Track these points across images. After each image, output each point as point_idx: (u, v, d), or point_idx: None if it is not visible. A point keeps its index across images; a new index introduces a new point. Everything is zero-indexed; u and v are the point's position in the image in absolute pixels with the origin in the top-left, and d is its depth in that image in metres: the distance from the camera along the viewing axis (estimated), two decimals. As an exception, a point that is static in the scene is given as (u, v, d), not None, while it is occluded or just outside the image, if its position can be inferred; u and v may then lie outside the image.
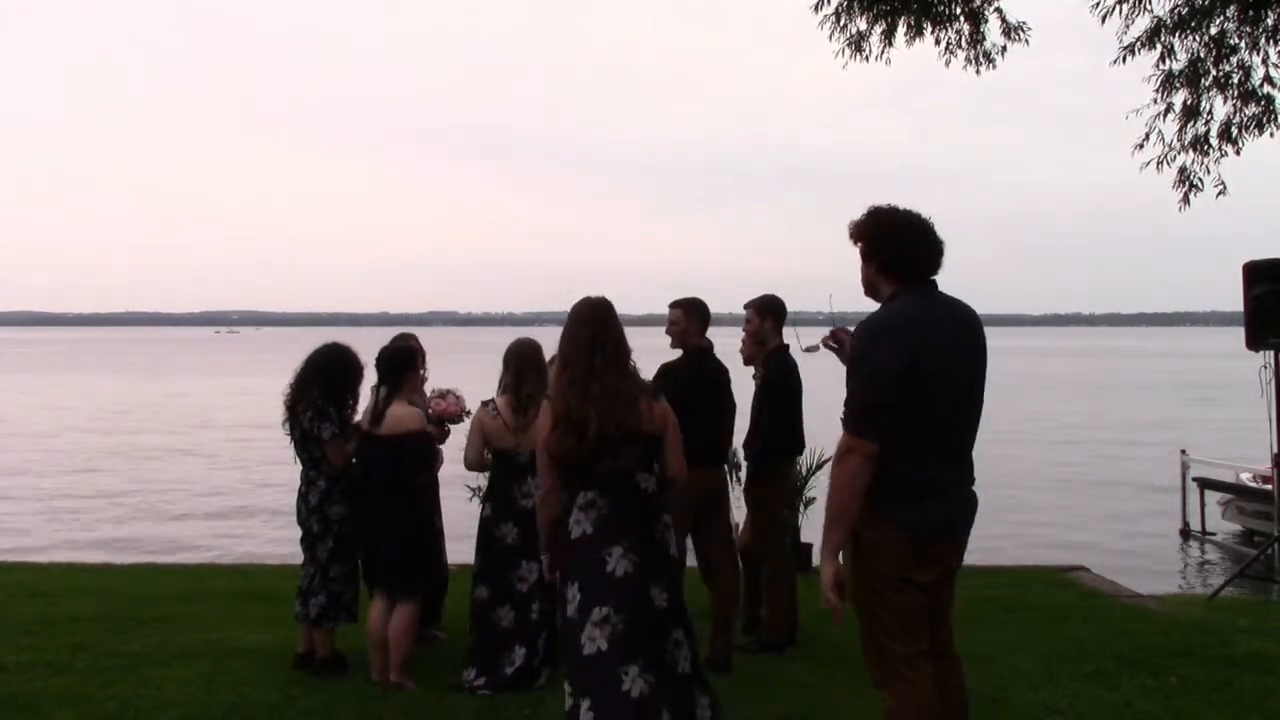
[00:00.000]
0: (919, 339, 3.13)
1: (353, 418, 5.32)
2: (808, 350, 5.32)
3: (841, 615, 3.11)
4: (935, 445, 3.18)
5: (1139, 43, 7.28)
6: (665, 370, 5.29)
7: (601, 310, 3.83)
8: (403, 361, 5.19)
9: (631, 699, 3.49)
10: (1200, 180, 7.45)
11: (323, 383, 5.23)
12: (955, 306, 3.31)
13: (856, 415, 3.12)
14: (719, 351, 5.54)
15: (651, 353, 4.59)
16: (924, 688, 3.19)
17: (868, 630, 3.26)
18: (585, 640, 3.57)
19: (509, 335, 5.58)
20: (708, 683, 3.80)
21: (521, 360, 5.13)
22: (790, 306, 5.95)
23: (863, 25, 7.52)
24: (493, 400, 5.14)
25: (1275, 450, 7.56)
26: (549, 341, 4.84)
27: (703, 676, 3.78)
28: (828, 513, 3.15)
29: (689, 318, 5.48)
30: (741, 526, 6.00)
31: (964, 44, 7.59)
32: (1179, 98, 7.39)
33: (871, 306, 3.32)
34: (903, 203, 3.35)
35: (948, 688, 3.32)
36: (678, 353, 5.47)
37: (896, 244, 3.27)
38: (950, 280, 3.31)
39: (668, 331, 5.51)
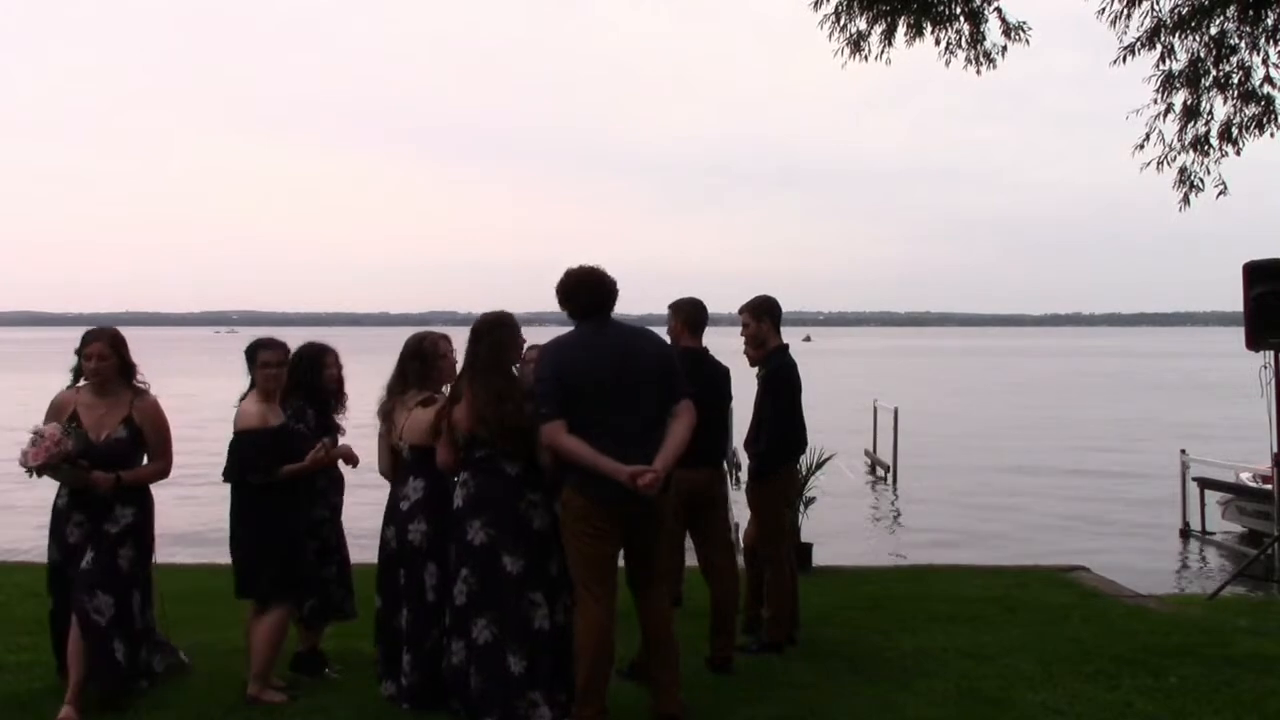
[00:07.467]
0: (563, 358, 4.34)
1: (336, 418, 5.30)
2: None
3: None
4: (602, 434, 4.18)
5: (1139, 43, 7.28)
6: None
7: (482, 325, 4.55)
8: (257, 361, 4.98)
9: (478, 645, 4.37)
10: (1200, 180, 7.46)
11: (297, 384, 5.17)
12: (616, 334, 4.41)
13: (540, 408, 4.25)
14: (719, 351, 5.55)
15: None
16: (592, 608, 4.27)
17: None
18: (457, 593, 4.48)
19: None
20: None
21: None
22: (790, 306, 5.95)
23: (862, 25, 7.51)
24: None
25: (1275, 450, 7.56)
26: (547, 339, 4.81)
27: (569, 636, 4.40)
28: (581, 464, 4.18)
29: (676, 318, 5.54)
30: (744, 526, 5.99)
31: (964, 44, 7.57)
32: (1179, 98, 7.39)
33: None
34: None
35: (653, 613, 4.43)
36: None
37: (574, 296, 4.42)
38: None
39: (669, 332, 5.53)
